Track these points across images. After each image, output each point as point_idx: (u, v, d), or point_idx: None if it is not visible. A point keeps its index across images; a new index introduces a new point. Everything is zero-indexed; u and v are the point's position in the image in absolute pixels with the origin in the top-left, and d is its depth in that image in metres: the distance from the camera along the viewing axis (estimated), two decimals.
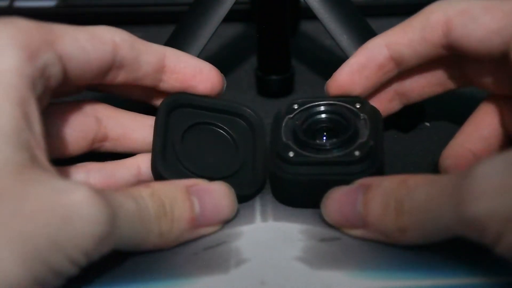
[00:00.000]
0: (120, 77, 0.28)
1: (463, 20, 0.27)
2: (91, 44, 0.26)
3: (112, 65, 0.27)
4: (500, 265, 0.25)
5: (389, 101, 0.31)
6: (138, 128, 0.30)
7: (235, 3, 0.34)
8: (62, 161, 0.28)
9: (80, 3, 0.45)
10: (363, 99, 0.30)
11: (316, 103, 0.30)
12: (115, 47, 0.27)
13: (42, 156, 0.23)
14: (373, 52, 0.29)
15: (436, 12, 0.28)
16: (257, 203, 0.30)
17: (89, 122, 0.29)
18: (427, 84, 0.31)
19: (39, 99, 0.24)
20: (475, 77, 0.30)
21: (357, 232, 0.26)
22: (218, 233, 0.27)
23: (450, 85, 0.31)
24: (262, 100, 0.37)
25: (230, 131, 0.31)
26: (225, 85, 0.31)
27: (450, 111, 0.35)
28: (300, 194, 0.29)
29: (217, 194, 0.27)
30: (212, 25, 0.34)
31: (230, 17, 0.34)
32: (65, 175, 0.28)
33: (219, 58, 0.40)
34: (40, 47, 0.24)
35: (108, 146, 0.30)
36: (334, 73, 0.30)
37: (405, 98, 0.31)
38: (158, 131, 0.29)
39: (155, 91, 0.30)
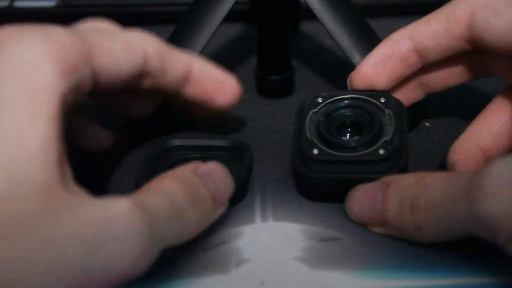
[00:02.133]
0: (144, 84, 0.28)
1: (487, 13, 0.27)
2: (125, 56, 0.25)
3: (140, 75, 0.27)
4: (501, 265, 0.25)
5: (412, 90, 0.31)
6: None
7: (235, 3, 0.34)
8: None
9: (80, 3, 0.45)
10: (388, 93, 0.30)
11: (341, 96, 0.30)
12: (146, 58, 0.26)
13: (69, 174, 0.23)
14: (397, 43, 0.29)
15: (461, 6, 0.28)
16: (257, 203, 0.30)
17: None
18: (449, 75, 0.31)
19: (67, 110, 0.23)
20: (497, 69, 0.30)
21: (378, 229, 0.27)
22: (218, 233, 0.28)
23: (472, 75, 0.31)
24: (262, 100, 0.37)
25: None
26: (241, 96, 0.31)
27: (451, 111, 0.35)
28: (323, 190, 0.29)
29: (219, 172, 0.27)
30: (212, 25, 0.34)
31: (230, 17, 0.34)
32: None
33: (219, 58, 0.40)
34: (77, 63, 0.23)
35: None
36: (358, 65, 0.30)
37: (428, 88, 0.31)
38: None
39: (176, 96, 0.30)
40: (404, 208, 0.25)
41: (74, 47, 0.23)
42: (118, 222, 0.20)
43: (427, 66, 0.30)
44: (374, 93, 0.30)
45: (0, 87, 0.21)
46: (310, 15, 0.34)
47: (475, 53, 0.29)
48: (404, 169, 0.28)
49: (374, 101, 0.29)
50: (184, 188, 0.24)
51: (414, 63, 0.30)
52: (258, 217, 0.29)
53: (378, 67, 0.30)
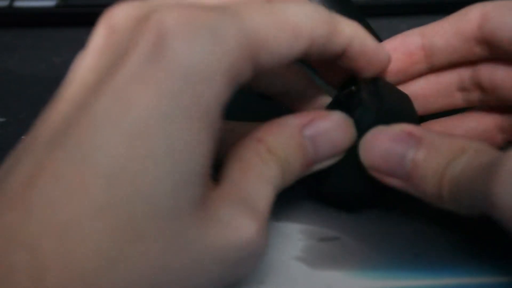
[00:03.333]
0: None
1: (500, 11, 0.27)
2: (290, 47, 0.22)
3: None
4: (501, 265, 0.25)
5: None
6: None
7: None
8: None
9: (80, 3, 0.45)
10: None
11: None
12: (310, 46, 0.23)
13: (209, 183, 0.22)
14: (407, 38, 0.29)
15: (474, 9, 0.28)
16: None
17: None
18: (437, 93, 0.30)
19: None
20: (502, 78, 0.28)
21: (394, 182, 0.25)
22: None
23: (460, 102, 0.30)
24: (262, 100, 0.37)
25: None
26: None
27: (451, 110, 0.35)
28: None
29: (334, 132, 0.25)
30: None
31: None
32: None
33: None
34: (244, 67, 0.21)
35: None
36: None
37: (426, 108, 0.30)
38: None
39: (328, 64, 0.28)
40: (436, 174, 0.23)
41: (243, 51, 0.20)
42: (251, 247, 0.21)
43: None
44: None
45: (169, 96, 0.19)
46: None
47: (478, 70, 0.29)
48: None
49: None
50: (279, 166, 0.24)
51: (418, 61, 0.29)
52: None
53: None
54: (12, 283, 0.18)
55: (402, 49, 0.29)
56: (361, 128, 0.26)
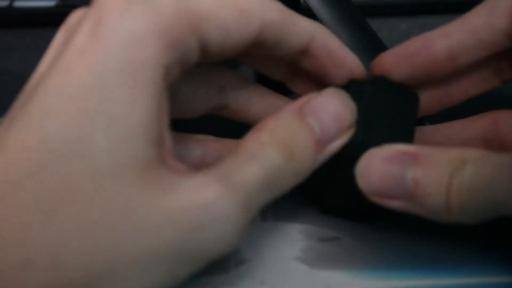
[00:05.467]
0: (256, 53, 0.25)
1: None
2: (237, 27, 0.23)
3: (252, 45, 0.24)
4: (501, 265, 0.25)
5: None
6: (259, 103, 0.28)
7: None
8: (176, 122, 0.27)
9: (80, 3, 0.45)
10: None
11: None
12: (262, 28, 0.23)
13: (168, 148, 0.22)
14: (430, 40, 0.27)
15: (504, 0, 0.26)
16: None
17: (212, 91, 0.27)
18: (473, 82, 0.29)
19: (169, 82, 0.22)
20: None
21: (397, 204, 0.24)
22: None
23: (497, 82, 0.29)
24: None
25: None
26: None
27: (451, 110, 0.35)
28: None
29: (332, 103, 0.25)
30: None
31: None
32: (183, 144, 0.27)
33: None
34: (182, 35, 0.22)
35: (225, 114, 0.28)
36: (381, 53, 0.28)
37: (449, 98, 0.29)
38: None
39: (291, 68, 0.28)
40: (440, 188, 0.23)
41: (180, 18, 0.21)
42: (213, 209, 0.21)
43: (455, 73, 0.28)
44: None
45: (104, 61, 0.20)
46: (310, 15, 0.34)
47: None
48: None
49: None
50: (277, 144, 0.23)
51: (443, 66, 0.27)
52: (258, 217, 0.29)
53: (399, 59, 0.27)
54: None
55: (425, 52, 0.27)
56: (354, 152, 0.25)
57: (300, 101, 0.25)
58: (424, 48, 0.27)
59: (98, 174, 0.20)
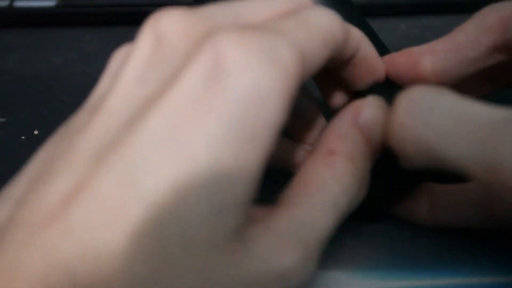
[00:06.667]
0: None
1: None
2: (322, 54, 0.21)
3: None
4: (501, 265, 0.25)
5: None
6: None
7: None
8: None
9: (80, 3, 0.45)
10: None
11: None
12: (333, 50, 0.22)
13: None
14: (415, 55, 0.26)
15: (491, 13, 0.26)
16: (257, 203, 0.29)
17: None
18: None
19: None
20: None
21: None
22: None
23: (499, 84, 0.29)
24: None
25: None
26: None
27: None
28: None
29: (381, 115, 0.24)
30: None
31: None
32: None
33: None
34: (297, 86, 0.19)
35: None
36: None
37: None
38: None
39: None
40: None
41: (299, 69, 0.19)
42: (292, 277, 0.20)
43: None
44: None
45: (223, 120, 0.18)
46: None
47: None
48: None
49: None
50: (355, 176, 0.22)
51: (428, 81, 0.26)
52: None
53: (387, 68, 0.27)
54: None
55: (411, 74, 0.26)
56: None
57: (350, 113, 0.24)
58: (409, 63, 0.26)
59: (193, 246, 0.18)
